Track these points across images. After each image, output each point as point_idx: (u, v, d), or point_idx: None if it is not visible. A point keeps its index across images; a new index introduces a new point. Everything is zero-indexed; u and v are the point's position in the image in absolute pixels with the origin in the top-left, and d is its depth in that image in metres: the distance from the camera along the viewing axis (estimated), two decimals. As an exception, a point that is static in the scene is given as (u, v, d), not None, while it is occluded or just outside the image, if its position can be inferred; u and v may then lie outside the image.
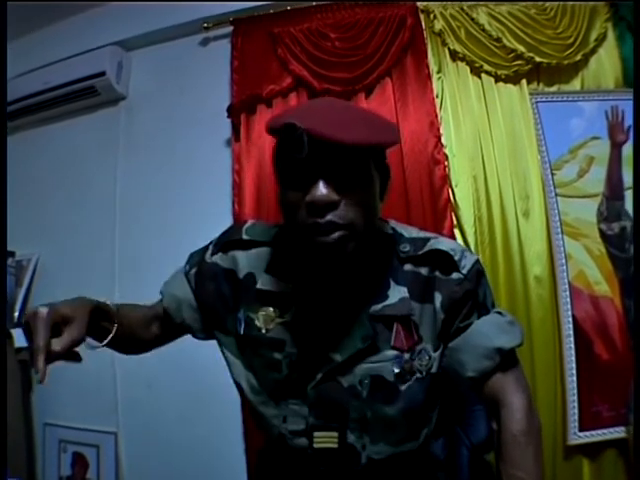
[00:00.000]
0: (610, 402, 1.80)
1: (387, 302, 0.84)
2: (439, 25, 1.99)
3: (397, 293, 0.85)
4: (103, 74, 2.17)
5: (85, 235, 2.28)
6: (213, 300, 0.95)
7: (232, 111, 2.03)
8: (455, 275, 0.85)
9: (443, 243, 0.87)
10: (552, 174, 1.91)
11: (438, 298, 0.85)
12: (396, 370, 0.84)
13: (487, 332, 0.84)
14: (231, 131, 2.08)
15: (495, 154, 1.92)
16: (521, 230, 1.87)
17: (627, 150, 1.92)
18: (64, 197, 2.35)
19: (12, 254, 2.30)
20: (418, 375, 0.85)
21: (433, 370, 0.86)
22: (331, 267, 0.82)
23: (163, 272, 2.12)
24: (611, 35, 2.02)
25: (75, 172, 2.35)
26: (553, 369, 1.81)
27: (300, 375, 0.86)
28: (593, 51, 2.00)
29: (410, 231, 0.92)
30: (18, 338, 2.17)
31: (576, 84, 2.02)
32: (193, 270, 0.99)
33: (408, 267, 0.87)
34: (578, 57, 1.97)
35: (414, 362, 0.84)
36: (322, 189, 0.73)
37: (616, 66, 2.02)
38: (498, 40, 1.96)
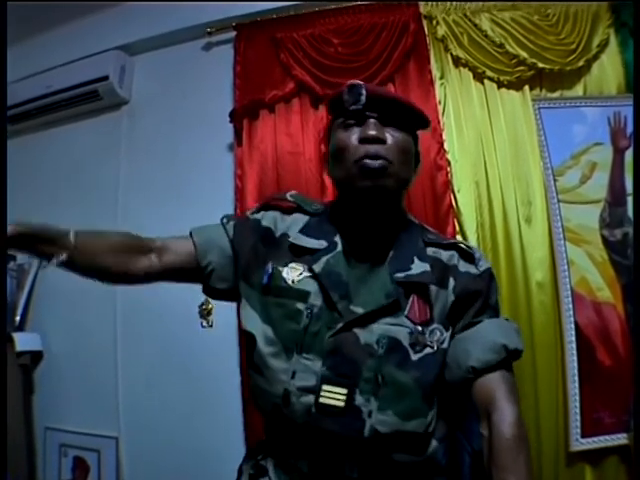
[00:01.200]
0: (612, 408, 1.79)
1: (410, 272, 0.91)
2: (442, 31, 1.99)
3: (420, 267, 0.92)
4: (106, 78, 2.18)
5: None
6: (248, 251, 0.98)
7: (235, 116, 2.03)
8: (472, 269, 0.94)
9: (466, 242, 1.02)
10: (554, 180, 1.91)
11: (451, 284, 0.92)
12: (410, 340, 0.87)
13: (496, 330, 0.91)
14: (233, 136, 2.08)
15: (497, 160, 1.92)
16: (523, 236, 1.86)
17: (629, 156, 1.92)
18: (66, 201, 2.35)
19: (13, 257, 2.30)
20: (429, 350, 0.88)
21: (445, 345, 0.90)
22: (374, 197, 0.90)
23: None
24: (613, 41, 2.02)
25: (77, 176, 2.35)
26: (555, 375, 1.81)
27: (318, 328, 0.88)
28: (595, 57, 2.01)
29: (434, 230, 1.05)
30: (19, 342, 2.18)
31: (579, 90, 2.02)
32: (232, 222, 1.03)
33: (431, 251, 0.96)
34: (580, 63, 1.98)
35: (425, 336, 0.88)
36: (374, 127, 0.89)
37: (618, 72, 2.02)
38: (501, 46, 1.97)
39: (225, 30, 2.14)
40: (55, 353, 2.29)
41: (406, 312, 0.88)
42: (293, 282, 0.92)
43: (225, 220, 1.04)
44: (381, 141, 0.88)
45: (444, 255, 0.96)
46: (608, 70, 2.01)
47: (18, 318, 2.28)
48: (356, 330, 0.87)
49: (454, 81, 1.98)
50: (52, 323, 2.29)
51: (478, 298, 0.92)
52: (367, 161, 0.87)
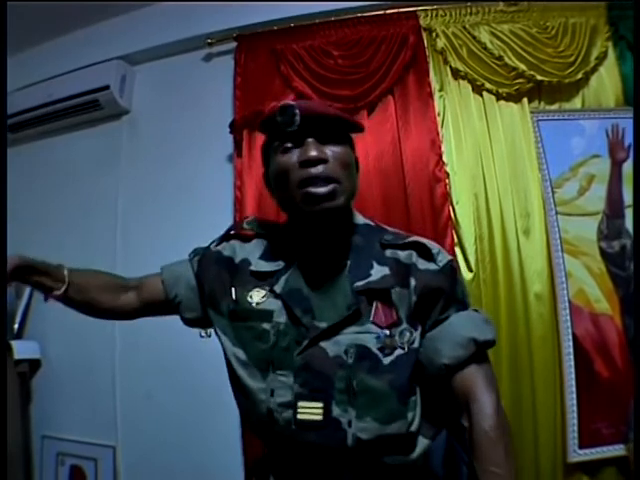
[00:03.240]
0: (610, 420, 1.80)
1: (370, 279, 0.91)
2: (441, 43, 2.01)
3: (379, 271, 0.92)
4: (107, 88, 2.19)
5: (87, 248, 2.27)
6: (212, 282, 1.02)
7: (234, 127, 2.04)
8: (431, 266, 0.93)
9: (423, 239, 0.96)
10: (553, 192, 1.92)
11: (412, 283, 0.91)
12: (378, 344, 0.87)
13: (463, 324, 0.91)
14: (233, 147, 2.09)
15: (496, 172, 1.93)
16: (521, 248, 1.87)
17: (627, 168, 1.93)
18: (66, 210, 2.36)
19: (13, 266, 2.30)
20: (400, 351, 0.88)
21: (415, 345, 0.89)
22: (323, 222, 0.91)
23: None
24: (611, 54, 2.04)
25: (77, 185, 2.36)
26: (553, 387, 1.81)
27: (286, 344, 0.90)
28: (594, 70, 2.02)
29: (393, 229, 1.03)
30: (18, 350, 2.18)
31: (577, 102, 2.04)
32: (197, 257, 1.08)
33: (389, 253, 0.95)
34: (579, 75, 1.99)
35: (394, 338, 0.88)
36: (313, 148, 0.87)
37: (616, 84, 2.03)
38: (500, 58, 1.98)
39: (225, 41, 2.15)
40: (53, 361, 2.29)
41: (371, 318, 0.89)
42: (257, 304, 0.94)
43: (192, 255, 1.10)
44: (323, 161, 0.87)
45: (402, 255, 0.95)
46: (606, 83, 2.03)
47: (16, 326, 2.28)
48: (323, 344, 0.88)
49: (453, 93, 1.99)
50: (50, 331, 2.29)
51: (442, 294, 0.91)
52: (311, 190, 0.86)
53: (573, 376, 1.81)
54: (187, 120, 2.22)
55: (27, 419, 2.26)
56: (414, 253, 0.95)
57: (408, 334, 0.89)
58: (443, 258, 0.94)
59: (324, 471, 0.89)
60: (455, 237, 1.88)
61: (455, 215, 1.89)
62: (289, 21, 2.08)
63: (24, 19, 2.25)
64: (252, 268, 0.99)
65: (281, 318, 0.92)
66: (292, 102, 0.89)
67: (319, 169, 0.86)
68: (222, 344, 0.98)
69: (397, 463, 0.89)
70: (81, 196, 2.34)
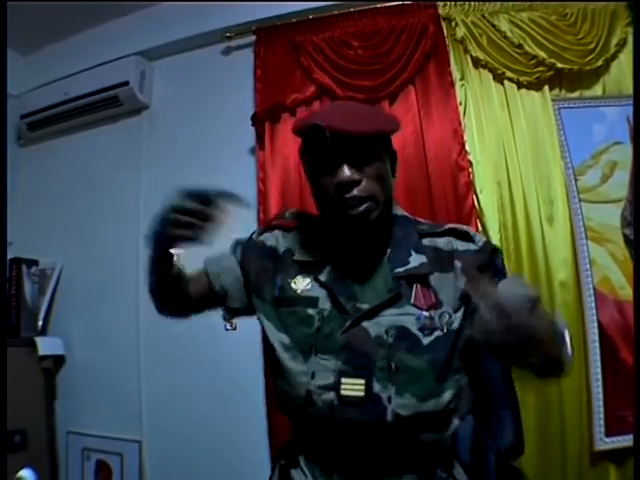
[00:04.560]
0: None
1: (409, 266, 0.96)
2: (461, 32, 2.00)
3: (417, 260, 0.97)
4: (126, 84, 2.20)
5: (108, 244, 2.30)
6: (256, 270, 1.05)
7: (256, 119, 2.05)
8: (472, 247, 0.99)
9: (457, 225, 1.02)
10: (575, 179, 1.92)
11: (458, 265, 0.96)
12: (418, 325, 0.91)
13: (513, 285, 0.90)
14: (255, 139, 2.09)
15: (519, 160, 1.93)
16: (546, 236, 1.87)
17: (650, 154, 1.93)
18: (87, 206, 2.37)
19: (36, 263, 2.32)
20: (438, 332, 0.91)
21: (454, 326, 0.93)
22: (359, 234, 0.97)
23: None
24: (632, 40, 2.02)
25: (98, 181, 2.37)
26: (579, 374, 1.80)
27: (330, 329, 0.93)
28: (614, 56, 2.01)
29: (425, 220, 1.09)
30: (42, 346, 2.19)
31: (598, 89, 2.03)
32: (239, 247, 1.11)
33: (427, 241, 1.00)
34: (599, 62, 1.98)
35: (434, 320, 0.92)
36: (346, 171, 0.90)
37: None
38: (520, 47, 1.98)
39: (244, 34, 2.15)
40: (77, 357, 2.30)
41: (411, 301, 0.93)
42: (302, 291, 0.98)
43: (234, 246, 1.12)
44: (356, 183, 0.91)
45: (440, 242, 1.00)
46: (626, 69, 2.01)
47: (40, 322, 2.29)
48: (365, 324, 0.92)
49: (474, 82, 1.99)
50: (74, 327, 2.31)
51: (487, 269, 0.96)
52: (350, 212, 0.91)
53: (599, 364, 1.81)
54: (207, 114, 2.22)
55: (52, 415, 2.27)
56: (452, 239, 1.00)
57: (447, 316, 0.92)
58: (480, 238, 1.00)
59: (359, 450, 0.91)
60: (479, 225, 1.88)
61: (479, 204, 1.89)
62: (307, 13, 2.08)
63: (40, 18, 2.26)
64: (296, 257, 1.02)
65: (326, 305, 0.95)
66: (322, 124, 0.89)
67: (353, 192, 0.90)
68: (266, 330, 1.01)
69: (431, 440, 0.93)
70: (102, 191, 2.35)
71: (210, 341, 2.06)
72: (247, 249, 1.09)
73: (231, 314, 1.12)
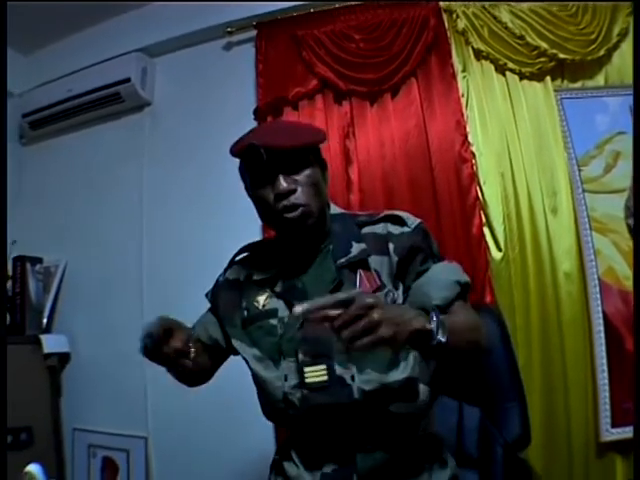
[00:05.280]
0: (641, 398, 1.79)
1: (350, 255, 1.04)
2: (462, 24, 2.00)
3: (358, 248, 1.05)
4: (128, 80, 2.19)
5: (112, 241, 2.30)
6: (224, 304, 1.16)
7: (259, 114, 2.05)
8: (405, 229, 1.06)
9: (392, 211, 1.11)
10: (579, 170, 1.92)
11: (391, 247, 1.05)
12: None
13: (445, 270, 1.05)
14: (258, 134, 2.08)
15: (522, 151, 1.92)
16: (550, 227, 1.87)
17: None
18: (91, 204, 2.37)
19: (40, 260, 2.32)
20: None
21: (399, 302, 1.02)
22: (299, 235, 1.05)
23: (190, 277, 2.13)
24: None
25: (101, 178, 2.37)
26: (584, 365, 1.80)
27: (292, 333, 1.01)
28: (616, 46, 2.00)
29: (365, 212, 1.20)
30: (47, 344, 2.20)
31: (600, 80, 2.02)
32: (209, 296, 1.22)
33: (366, 230, 1.09)
34: (601, 52, 1.97)
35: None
36: (282, 182, 1.00)
37: (639, 60, 2.02)
38: (521, 38, 1.97)
39: (245, 29, 2.15)
40: (82, 354, 2.30)
41: (358, 286, 1.01)
42: (264, 306, 1.08)
43: (207, 297, 1.23)
44: (292, 192, 1.00)
45: (377, 228, 1.08)
46: (629, 59, 2.00)
47: (45, 320, 2.29)
48: None
49: (476, 74, 1.98)
50: (79, 325, 2.31)
51: (419, 250, 1.04)
52: (287, 215, 1.00)
53: (604, 354, 1.80)
54: (209, 109, 2.22)
55: (57, 413, 2.27)
56: (388, 224, 1.09)
57: (392, 294, 1.02)
58: (414, 221, 1.08)
59: (337, 433, 0.99)
60: (483, 217, 1.87)
61: (483, 195, 1.89)
62: (308, 7, 2.08)
63: (41, 17, 2.26)
64: (255, 278, 1.12)
65: (285, 312, 1.04)
66: (255, 143, 0.98)
67: (290, 200, 1.00)
68: (240, 351, 1.11)
69: (403, 412, 1.00)
70: (106, 189, 2.35)
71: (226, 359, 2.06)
72: (215, 293, 1.20)
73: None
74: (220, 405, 2.03)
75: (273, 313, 1.06)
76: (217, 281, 1.22)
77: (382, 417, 0.99)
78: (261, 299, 1.09)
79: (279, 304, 1.06)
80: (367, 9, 2.05)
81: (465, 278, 1.04)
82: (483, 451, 1.20)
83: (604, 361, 1.80)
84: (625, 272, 1.86)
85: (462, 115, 1.93)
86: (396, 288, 1.03)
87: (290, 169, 1.02)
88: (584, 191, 1.90)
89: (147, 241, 2.25)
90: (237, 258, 1.22)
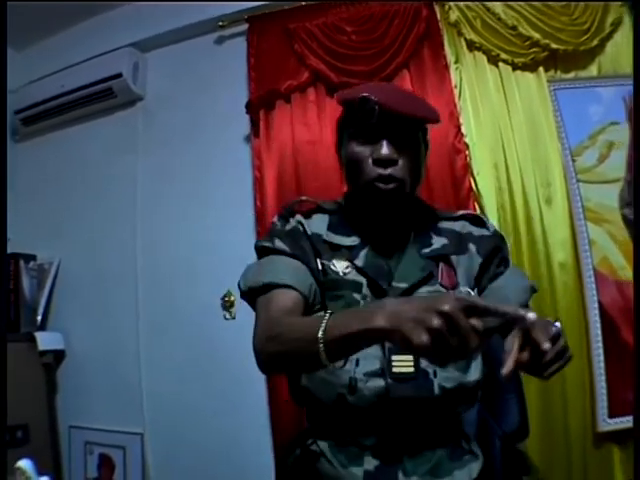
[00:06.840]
0: (639, 388, 1.79)
1: (432, 247, 1.02)
2: (454, 16, 1.99)
3: (439, 241, 1.04)
4: (120, 75, 2.19)
5: (106, 237, 2.29)
6: (304, 254, 1.01)
7: (251, 107, 2.04)
8: (485, 232, 1.07)
9: (471, 211, 1.14)
10: (573, 160, 1.91)
11: (473, 248, 1.04)
12: None
13: (519, 275, 1.09)
14: (250, 127, 2.09)
15: (515, 142, 1.91)
16: (544, 217, 1.86)
17: (646, 134, 1.92)
18: (85, 200, 2.37)
19: (34, 257, 2.31)
20: None
21: None
22: (384, 210, 1.00)
23: (186, 273, 2.13)
24: (627, 19, 2.00)
25: (95, 174, 2.36)
26: (580, 356, 1.79)
27: None
28: (609, 36, 1.99)
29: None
30: (42, 341, 2.19)
31: (593, 70, 2.01)
32: (277, 242, 1.03)
33: (444, 225, 1.08)
34: (594, 43, 1.96)
35: None
36: (386, 148, 0.94)
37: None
38: (514, 28, 1.96)
39: (237, 23, 2.15)
40: (77, 351, 2.30)
41: (439, 280, 0.99)
42: (344, 274, 0.99)
43: (270, 245, 1.03)
44: (393, 162, 0.94)
45: (457, 225, 1.08)
46: (622, 49, 1.99)
47: (39, 317, 2.29)
48: None
49: (469, 65, 1.98)
50: (74, 321, 2.30)
51: (498, 253, 1.06)
52: (380, 185, 0.94)
53: (600, 345, 1.80)
54: (201, 103, 2.21)
55: (53, 410, 2.27)
56: (467, 223, 1.08)
57: (467, 295, 0.96)
58: (492, 225, 1.10)
59: (405, 427, 0.92)
60: (477, 208, 1.87)
61: (476, 186, 1.89)
62: (300, 0, 2.07)
63: (31, 14, 2.25)
64: (326, 238, 1.03)
65: (369, 290, 0.97)
66: (373, 97, 0.91)
67: (388, 170, 0.94)
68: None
69: (463, 412, 0.99)
70: (99, 184, 2.34)
71: (210, 334, 2.06)
72: (288, 237, 1.03)
73: None
74: (216, 402, 2.03)
75: (357, 287, 0.97)
76: (280, 229, 1.05)
77: (447, 416, 0.96)
78: (339, 265, 0.99)
79: (362, 279, 0.97)
80: (359, 1, 2.04)
81: (533, 282, 1.08)
82: (481, 443, 1.20)
83: (600, 351, 1.80)
84: (620, 262, 1.85)
85: (455, 106, 1.92)
86: (472, 289, 1.02)
87: (397, 138, 0.95)
88: (578, 181, 1.90)
89: (142, 235, 2.24)
90: (293, 207, 1.08)
